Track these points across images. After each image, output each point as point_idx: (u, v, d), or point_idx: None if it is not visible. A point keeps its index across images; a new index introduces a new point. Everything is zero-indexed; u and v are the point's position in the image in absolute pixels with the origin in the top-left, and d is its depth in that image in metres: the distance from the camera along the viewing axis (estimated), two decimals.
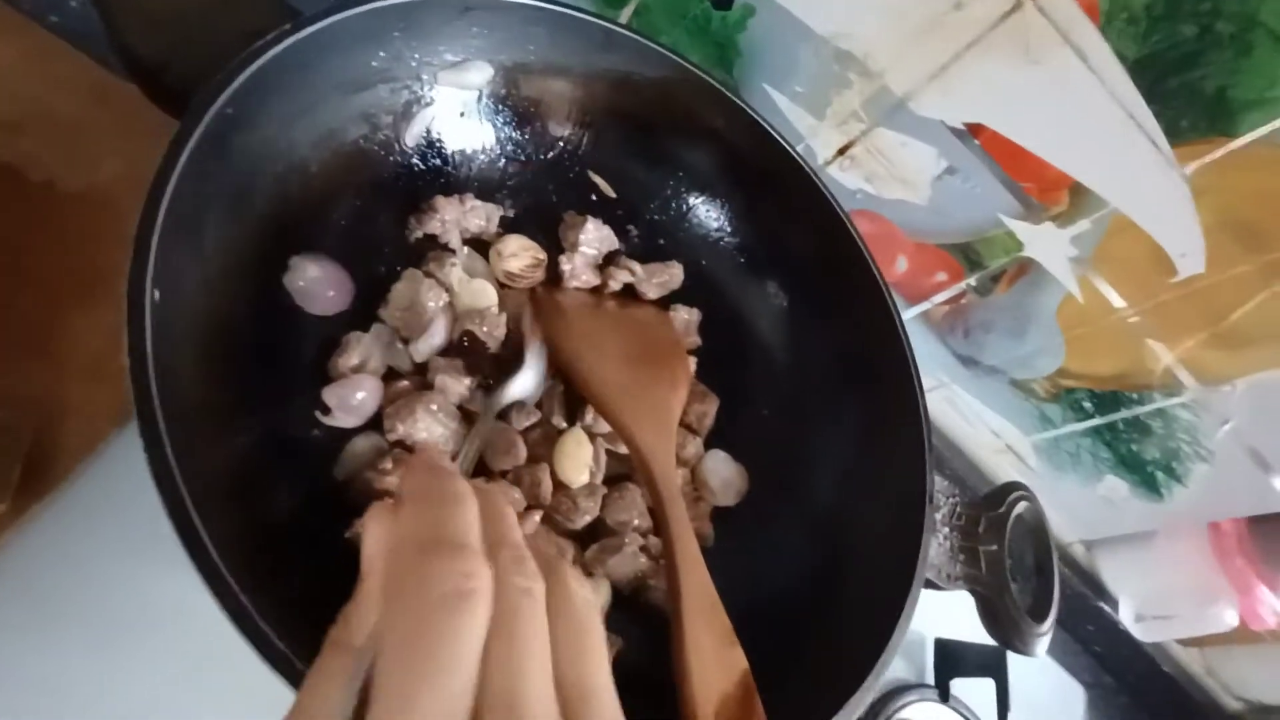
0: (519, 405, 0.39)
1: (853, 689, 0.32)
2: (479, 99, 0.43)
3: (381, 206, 0.40)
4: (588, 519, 0.39)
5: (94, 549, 0.35)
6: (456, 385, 0.37)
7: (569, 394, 0.41)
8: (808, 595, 0.40)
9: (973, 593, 0.43)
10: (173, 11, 0.35)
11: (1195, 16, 0.42)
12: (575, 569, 0.22)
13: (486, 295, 0.41)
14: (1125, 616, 0.76)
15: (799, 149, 0.46)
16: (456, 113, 0.42)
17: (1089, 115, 0.47)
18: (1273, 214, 0.47)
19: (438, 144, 0.42)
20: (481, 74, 0.42)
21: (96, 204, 0.40)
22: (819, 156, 0.57)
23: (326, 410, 0.35)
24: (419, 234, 0.41)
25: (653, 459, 0.37)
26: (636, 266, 0.46)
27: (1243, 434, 0.58)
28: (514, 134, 0.45)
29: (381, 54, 0.37)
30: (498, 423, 0.39)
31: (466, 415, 0.38)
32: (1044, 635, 0.43)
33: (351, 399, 0.35)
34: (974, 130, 0.51)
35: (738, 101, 0.45)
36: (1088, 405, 0.64)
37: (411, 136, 0.41)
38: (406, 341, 0.38)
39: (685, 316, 0.47)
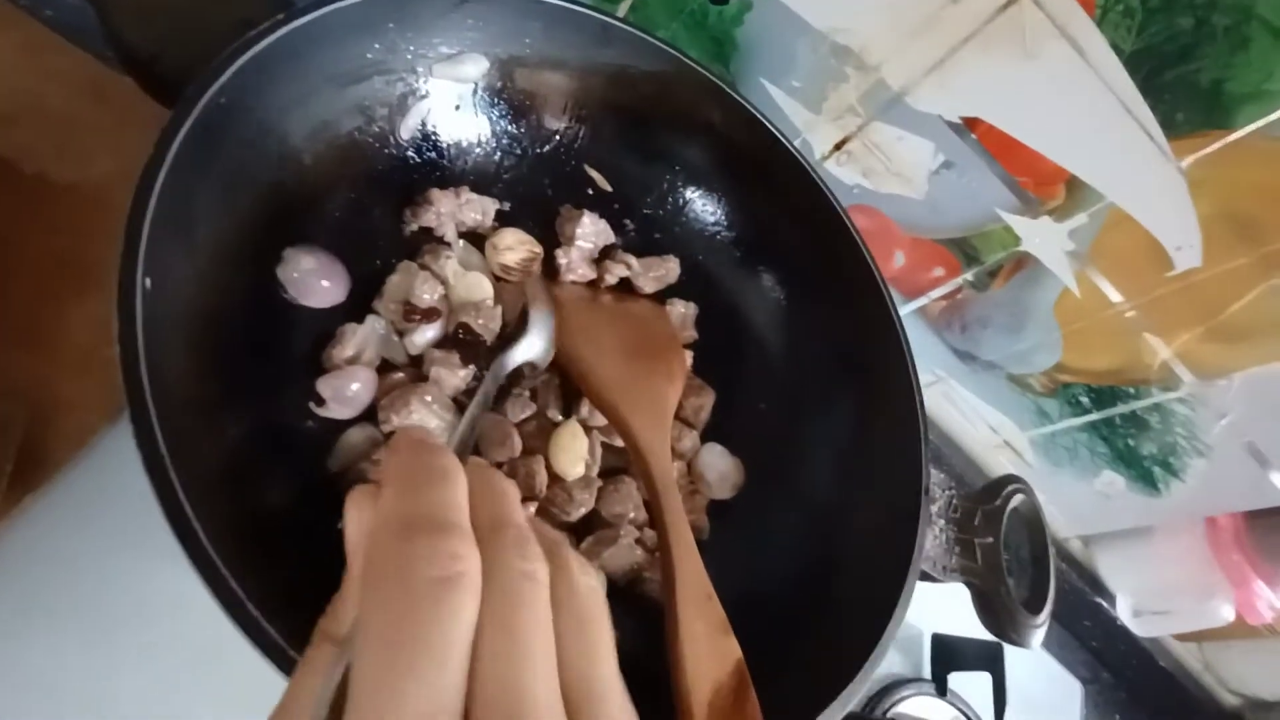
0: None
1: (847, 681, 0.32)
2: (474, 92, 0.43)
3: (376, 199, 0.40)
4: (583, 511, 0.39)
5: (87, 541, 0.35)
6: (451, 377, 0.37)
7: (565, 387, 0.41)
8: (803, 587, 0.40)
9: (968, 585, 0.43)
10: (165, 2, 0.35)
11: (1191, 9, 0.42)
12: (579, 555, 0.20)
13: (482, 288, 0.41)
14: (1122, 611, 0.76)
15: (796, 143, 0.46)
16: (452, 105, 0.42)
17: (1085, 109, 0.47)
18: (1270, 207, 0.47)
19: (433, 137, 0.42)
20: (477, 67, 0.42)
21: (89, 197, 0.39)
22: (816, 151, 0.57)
23: (321, 401, 0.35)
24: (414, 227, 0.41)
25: (649, 452, 0.37)
26: (633, 260, 0.46)
27: (1240, 428, 0.58)
28: (510, 127, 0.45)
29: (376, 46, 0.37)
30: (492, 414, 0.39)
31: (461, 407, 0.38)
32: (1039, 627, 0.43)
33: (346, 390, 0.35)
34: (970, 124, 0.51)
35: (735, 96, 0.45)
36: (1085, 400, 0.64)
37: (406, 129, 0.41)
38: (401, 334, 0.38)
39: (682, 310, 0.47)
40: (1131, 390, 0.61)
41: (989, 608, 0.43)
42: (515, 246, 0.43)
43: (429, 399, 0.36)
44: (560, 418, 0.40)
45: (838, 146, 0.56)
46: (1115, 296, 0.56)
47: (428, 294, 0.38)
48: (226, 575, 0.23)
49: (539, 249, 0.44)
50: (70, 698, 0.33)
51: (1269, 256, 0.49)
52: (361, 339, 0.36)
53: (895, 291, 0.59)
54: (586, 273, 0.45)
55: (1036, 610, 0.43)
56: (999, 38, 0.46)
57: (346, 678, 0.16)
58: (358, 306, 0.38)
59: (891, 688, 0.60)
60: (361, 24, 0.36)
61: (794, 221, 0.47)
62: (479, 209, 0.42)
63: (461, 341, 0.39)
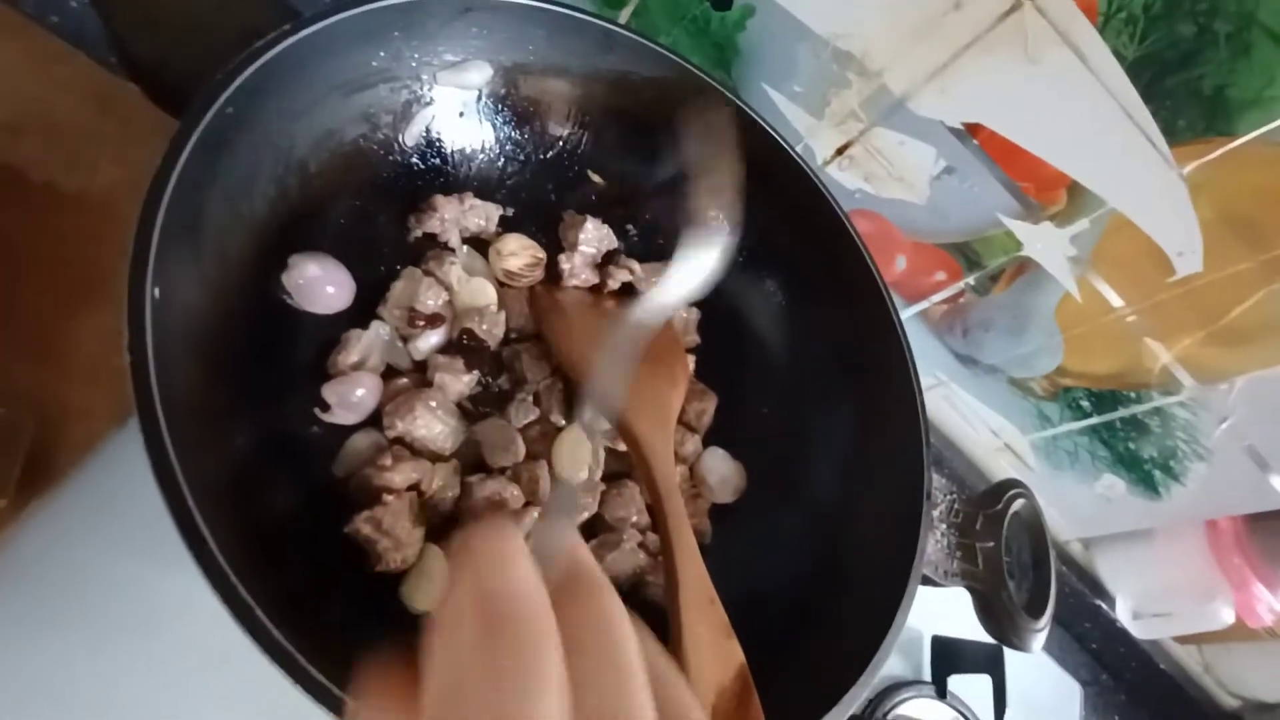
0: (520, 403, 0.39)
1: (849, 684, 0.32)
2: (478, 99, 0.43)
3: (381, 206, 0.40)
4: (586, 515, 0.39)
5: (94, 546, 0.35)
6: (456, 382, 0.37)
7: (568, 391, 0.41)
8: (805, 591, 0.40)
9: (969, 589, 0.43)
10: (172, 11, 0.35)
11: (1193, 16, 0.43)
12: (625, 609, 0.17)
13: (486, 294, 0.41)
14: (1123, 614, 0.76)
15: (798, 149, 0.46)
16: (456, 112, 0.42)
17: (1087, 115, 0.47)
18: (1271, 212, 0.47)
19: (437, 143, 0.42)
20: (481, 74, 0.42)
21: (96, 206, 0.40)
22: (818, 156, 0.57)
23: (326, 407, 0.35)
24: (418, 233, 0.41)
25: (651, 456, 0.37)
26: (635, 265, 0.46)
27: (1240, 432, 0.58)
28: (513, 133, 0.45)
29: (381, 54, 0.38)
30: (496, 419, 0.39)
31: (465, 413, 0.39)
32: (1040, 631, 0.43)
33: (351, 396, 0.35)
34: (972, 130, 0.51)
35: (737, 101, 0.45)
36: (1086, 404, 0.64)
37: (411, 136, 0.41)
38: (406, 339, 0.39)
39: (684, 315, 0.48)
40: (1132, 394, 0.61)
41: (990, 612, 0.43)
42: (519, 252, 0.43)
43: (433, 404, 0.36)
44: (564, 422, 0.41)
45: (840, 151, 0.56)
46: (1116, 301, 0.56)
47: (432, 300, 0.39)
48: (235, 581, 0.23)
49: (542, 254, 0.44)
50: (78, 704, 0.33)
51: (1270, 262, 0.49)
52: (366, 345, 0.37)
53: (897, 295, 0.60)
54: (589, 278, 0.45)
55: (1037, 615, 0.43)
56: (1001, 44, 0.46)
57: None
58: (362, 313, 0.38)
59: (891, 690, 0.60)
60: (367, 33, 0.36)
61: (795, 226, 0.48)
62: (483, 215, 0.43)
63: (465, 347, 0.39)
